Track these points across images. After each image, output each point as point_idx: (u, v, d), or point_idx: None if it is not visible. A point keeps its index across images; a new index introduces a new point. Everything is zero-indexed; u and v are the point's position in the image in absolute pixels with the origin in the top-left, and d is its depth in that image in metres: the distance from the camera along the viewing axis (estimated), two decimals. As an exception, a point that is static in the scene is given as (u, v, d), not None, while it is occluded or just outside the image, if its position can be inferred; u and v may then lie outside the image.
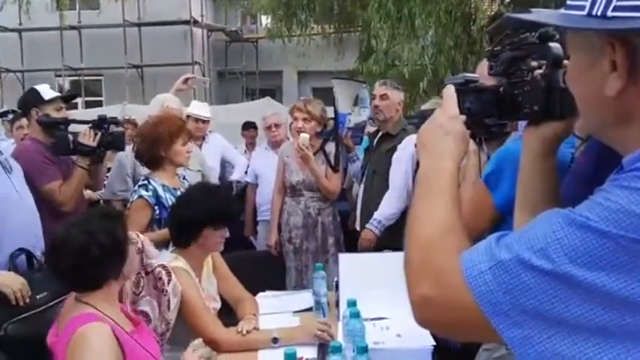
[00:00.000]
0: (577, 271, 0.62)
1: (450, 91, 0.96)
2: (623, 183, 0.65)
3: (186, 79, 4.01)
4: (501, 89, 0.97)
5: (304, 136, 3.33)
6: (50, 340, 1.62)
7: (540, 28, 0.91)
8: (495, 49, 1.00)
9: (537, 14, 0.82)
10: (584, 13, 0.70)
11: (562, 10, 0.75)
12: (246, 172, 4.66)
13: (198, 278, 2.26)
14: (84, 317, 1.57)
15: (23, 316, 2.14)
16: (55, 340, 1.59)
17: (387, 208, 3.35)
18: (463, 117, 0.94)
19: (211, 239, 2.23)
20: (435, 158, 0.89)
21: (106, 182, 3.68)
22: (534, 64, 0.92)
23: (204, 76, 14.13)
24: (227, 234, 2.27)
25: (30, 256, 2.35)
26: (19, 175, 2.48)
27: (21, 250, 2.31)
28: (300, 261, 3.42)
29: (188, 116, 4.29)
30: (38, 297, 2.21)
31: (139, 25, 13.71)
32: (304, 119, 3.43)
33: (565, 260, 0.63)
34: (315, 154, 3.41)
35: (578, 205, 0.67)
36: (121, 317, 1.71)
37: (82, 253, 1.59)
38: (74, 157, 2.89)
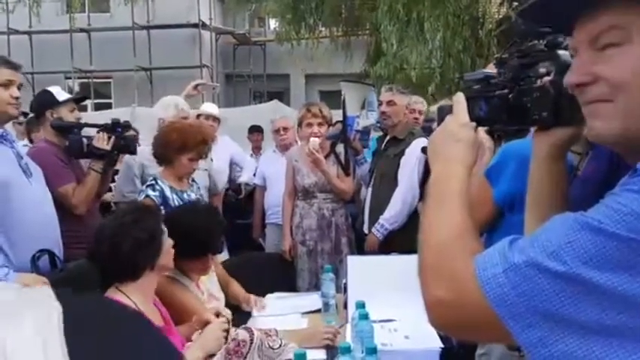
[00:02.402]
0: (589, 272, 0.64)
1: (460, 99, 0.98)
2: (633, 187, 0.66)
3: (196, 85, 4.05)
4: (511, 96, 0.98)
5: (314, 141, 3.33)
6: None
7: (549, 36, 0.93)
8: (503, 56, 1.02)
9: None
10: None
11: None
12: (254, 175, 4.69)
13: (195, 282, 2.27)
14: None
15: None
16: None
17: (391, 211, 3.37)
18: (473, 124, 0.96)
19: (192, 267, 2.20)
20: (446, 164, 0.91)
21: (114, 185, 3.72)
22: (543, 71, 0.93)
23: (212, 78, 14.22)
24: (210, 263, 2.22)
25: (53, 256, 2.38)
26: (40, 179, 2.49)
27: (42, 251, 2.34)
28: (315, 262, 3.37)
29: (199, 115, 4.35)
30: None
31: (148, 27, 13.77)
32: (319, 124, 3.42)
33: (578, 262, 0.64)
34: (326, 157, 3.42)
35: (589, 209, 0.68)
36: (152, 311, 1.78)
37: (121, 242, 1.69)
38: (88, 160, 2.92)
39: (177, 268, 2.20)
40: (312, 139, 3.35)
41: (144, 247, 1.73)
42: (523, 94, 0.96)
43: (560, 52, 0.92)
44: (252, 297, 2.61)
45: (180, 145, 2.71)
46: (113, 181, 3.79)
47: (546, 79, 0.92)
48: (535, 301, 0.66)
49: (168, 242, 1.86)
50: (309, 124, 3.44)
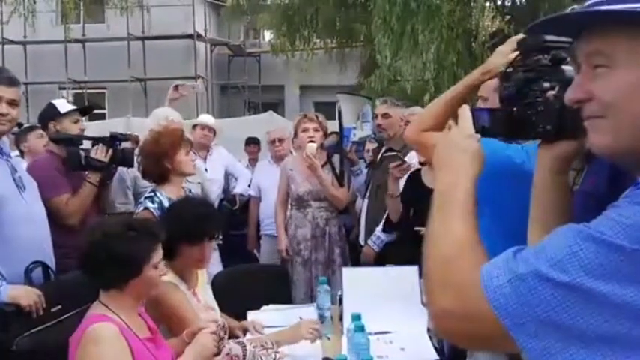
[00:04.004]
0: (592, 283, 0.65)
1: (465, 111, 0.99)
2: (635, 200, 0.68)
3: (176, 86, 4.04)
4: (515, 109, 1.00)
5: (312, 146, 3.35)
6: (70, 339, 1.68)
7: (553, 51, 0.94)
8: (508, 70, 1.03)
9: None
10: None
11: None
12: (249, 186, 4.69)
13: (192, 289, 2.26)
14: (95, 317, 1.65)
15: (35, 330, 2.17)
16: (72, 337, 1.66)
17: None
18: (478, 136, 0.96)
19: (190, 255, 2.19)
20: (451, 176, 0.91)
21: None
22: (546, 85, 0.95)
23: (206, 89, 14.23)
24: (207, 252, 2.22)
25: (46, 268, 2.37)
26: (33, 192, 2.47)
27: (36, 262, 2.33)
28: (309, 272, 3.38)
29: (195, 125, 4.35)
30: (52, 310, 2.24)
31: (143, 38, 13.82)
32: (315, 129, 3.45)
33: (581, 273, 0.66)
34: (322, 167, 3.43)
35: (592, 221, 0.70)
36: (138, 322, 1.76)
37: (113, 250, 1.67)
38: (86, 173, 2.92)
39: (176, 272, 2.20)
40: (309, 144, 3.36)
41: (135, 256, 1.71)
42: (527, 108, 0.97)
43: (564, 67, 0.93)
44: (250, 324, 2.51)
45: (171, 144, 2.69)
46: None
47: (550, 93, 0.94)
48: (539, 311, 0.67)
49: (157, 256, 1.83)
50: (305, 130, 3.46)
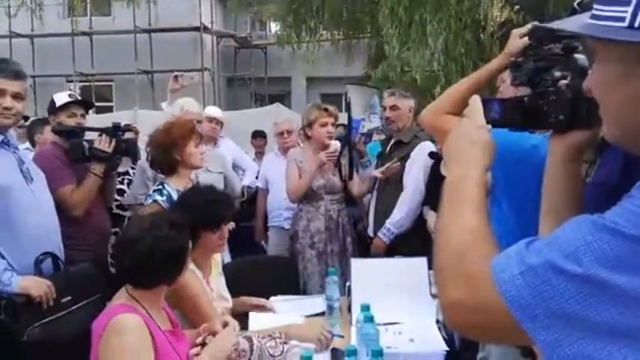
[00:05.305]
0: (607, 274, 0.64)
1: (476, 102, 0.98)
2: None
3: (176, 77, 4.03)
4: (526, 99, 0.99)
5: (336, 143, 3.40)
6: (93, 326, 1.70)
7: (565, 40, 0.93)
8: (518, 59, 1.02)
9: (569, 23, 0.83)
10: (625, 24, 0.70)
11: (589, 20, 0.76)
12: (256, 178, 4.69)
13: (206, 279, 2.27)
14: (120, 307, 1.66)
15: (45, 320, 2.19)
16: (95, 325, 1.68)
17: (397, 215, 3.37)
18: (489, 126, 0.96)
19: (209, 241, 2.23)
20: (462, 167, 0.91)
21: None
22: (558, 74, 0.94)
23: (213, 81, 14.23)
24: (226, 234, 2.27)
25: (55, 259, 2.39)
26: (41, 183, 2.49)
27: (46, 253, 2.35)
28: (325, 264, 3.35)
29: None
30: (62, 301, 2.25)
31: (149, 31, 13.81)
32: (332, 124, 3.46)
33: (595, 264, 0.64)
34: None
35: (605, 211, 0.68)
36: (161, 315, 1.79)
37: (147, 257, 1.68)
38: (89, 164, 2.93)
39: (193, 261, 2.19)
40: (333, 142, 3.39)
41: (170, 266, 1.74)
42: (539, 97, 0.96)
43: (577, 55, 0.92)
44: (264, 301, 2.58)
45: (182, 136, 2.69)
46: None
47: (562, 82, 0.93)
48: (552, 303, 0.66)
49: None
50: (324, 124, 3.43)
